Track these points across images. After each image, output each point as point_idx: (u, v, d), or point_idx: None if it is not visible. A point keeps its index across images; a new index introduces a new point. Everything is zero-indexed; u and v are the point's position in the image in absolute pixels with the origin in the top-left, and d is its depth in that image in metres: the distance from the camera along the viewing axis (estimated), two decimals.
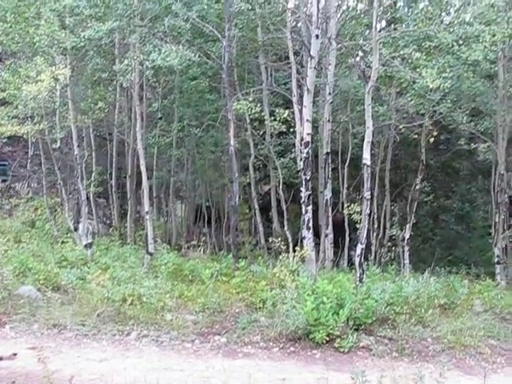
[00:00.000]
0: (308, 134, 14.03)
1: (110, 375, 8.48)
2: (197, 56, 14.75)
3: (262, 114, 16.96)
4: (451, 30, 13.33)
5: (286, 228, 17.09)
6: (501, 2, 13.43)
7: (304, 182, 13.98)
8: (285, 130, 16.71)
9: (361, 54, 17.83)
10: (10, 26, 16.56)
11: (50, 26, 14.28)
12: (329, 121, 16.83)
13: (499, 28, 13.01)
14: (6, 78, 17.53)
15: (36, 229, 20.20)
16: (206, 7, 15.35)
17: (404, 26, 15.61)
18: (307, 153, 13.98)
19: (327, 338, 10.30)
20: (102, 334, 10.42)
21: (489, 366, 9.99)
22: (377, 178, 19.25)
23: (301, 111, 14.54)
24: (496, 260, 17.78)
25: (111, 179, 21.78)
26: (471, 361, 10.26)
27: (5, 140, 24.17)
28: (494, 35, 12.84)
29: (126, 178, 21.09)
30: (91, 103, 18.39)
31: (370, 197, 13.27)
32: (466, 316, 11.97)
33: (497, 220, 17.97)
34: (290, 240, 15.77)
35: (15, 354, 9.13)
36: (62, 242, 17.45)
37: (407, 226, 18.45)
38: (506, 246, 18.51)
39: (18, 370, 8.51)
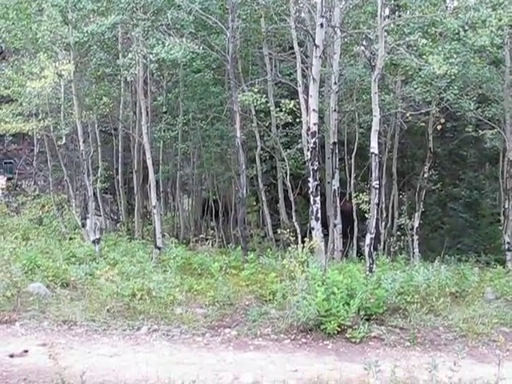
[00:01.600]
0: (315, 124, 13.93)
1: (121, 370, 8.46)
2: (201, 48, 14.65)
3: (268, 105, 16.85)
4: (457, 15, 13.18)
5: (294, 219, 17.00)
6: None
7: (312, 173, 13.89)
8: (291, 120, 16.59)
9: (366, 42, 17.68)
10: (13, 23, 16.56)
11: (53, 22, 14.22)
12: (335, 110, 16.74)
13: (506, 12, 12.83)
14: (9, 75, 17.51)
15: (44, 226, 20.25)
16: None
17: (409, 12, 15.46)
18: (314, 143, 13.88)
19: (339, 329, 10.24)
20: (112, 329, 10.39)
21: (503, 353, 9.85)
22: (384, 167, 19.13)
23: (307, 101, 14.43)
24: (506, 247, 17.69)
25: (117, 174, 21.76)
26: (484, 349, 10.18)
27: (10, 138, 24.22)
28: (500, 19, 12.65)
29: (132, 173, 21.05)
30: (96, 98, 18.37)
31: (378, 186, 13.19)
32: (478, 304, 11.91)
33: (506, 207, 17.87)
34: (298, 231, 15.70)
35: (26, 351, 9.10)
36: (70, 239, 17.50)
37: (416, 214, 18.35)
38: None
39: (30, 366, 8.47)
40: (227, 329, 10.60)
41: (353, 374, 8.09)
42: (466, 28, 13.25)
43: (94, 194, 18.83)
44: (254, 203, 21.97)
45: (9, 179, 25.36)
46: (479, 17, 12.68)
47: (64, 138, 18.19)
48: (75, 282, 12.44)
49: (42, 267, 12.87)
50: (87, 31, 14.18)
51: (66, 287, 12.28)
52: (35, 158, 25.37)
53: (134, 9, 14.66)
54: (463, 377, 7.17)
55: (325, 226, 16.42)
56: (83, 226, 17.59)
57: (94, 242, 15.55)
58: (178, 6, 14.70)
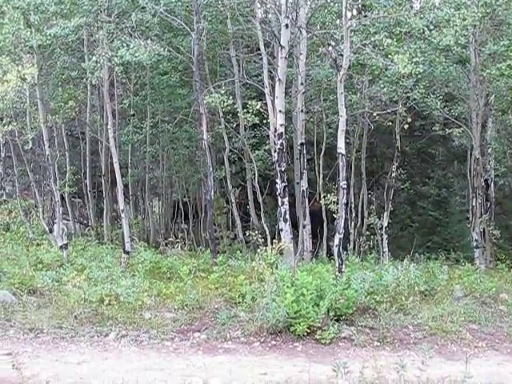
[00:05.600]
0: (281, 125, 13.95)
1: (88, 378, 8.38)
2: (166, 50, 14.58)
3: (235, 106, 16.81)
4: (422, 15, 13.25)
5: (263, 221, 17.01)
6: None
7: (279, 174, 13.90)
8: (258, 122, 16.55)
9: (332, 42, 17.71)
10: None
11: (15, 25, 14.02)
12: (302, 111, 16.73)
13: (469, 12, 12.94)
14: None
15: (11, 232, 19.95)
16: (173, 0, 15.10)
17: (374, 12, 15.51)
18: (281, 144, 13.90)
19: (308, 330, 10.24)
20: (79, 335, 10.27)
21: (470, 350, 10.02)
22: (353, 166, 19.19)
23: (273, 102, 14.42)
24: (474, 244, 17.83)
25: (86, 179, 21.52)
26: (453, 346, 10.28)
27: None
28: (464, 19, 12.76)
29: (100, 176, 20.86)
30: (61, 102, 18.10)
31: (346, 186, 13.20)
32: (447, 302, 12.00)
33: (474, 204, 18.01)
34: (267, 233, 15.67)
35: None
36: (38, 245, 17.23)
37: (385, 213, 18.41)
38: (483, 229, 18.50)
39: None
40: (196, 333, 10.54)
41: (322, 375, 8.08)
42: (431, 27, 13.32)
43: (62, 198, 18.63)
44: (224, 205, 21.89)
45: None
46: (443, 16, 12.77)
47: (30, 142, 17.96)
48: (42, 289, 12.22)
49: (8, 274, 12.68)
50: (50, 34, 13.98)
51: (33, 294, 12.06)
52: (1, 163, 24.98)
53: (98, 11, 14.49)
54: (431, 375, 7.23)
55: (295, 226, 16.40)
56: (50, 231, 17.38)
57: (61, 247, 15.36)
58: (143, 8, 14.57)
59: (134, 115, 20.61)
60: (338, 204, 13.81)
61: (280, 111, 13.90)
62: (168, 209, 23.81)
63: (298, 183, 17.85)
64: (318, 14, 17.45)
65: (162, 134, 20.99)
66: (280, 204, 13.95)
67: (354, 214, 18.98)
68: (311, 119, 19.49)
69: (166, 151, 21.75)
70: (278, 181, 13.93)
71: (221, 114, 18.11)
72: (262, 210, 17.77)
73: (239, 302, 11.44)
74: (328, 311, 10.54)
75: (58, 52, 16.83)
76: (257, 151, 18.98)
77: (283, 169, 13.94)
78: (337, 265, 12.83)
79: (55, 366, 8.92)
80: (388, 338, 10.43)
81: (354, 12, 19.30)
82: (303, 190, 16.81)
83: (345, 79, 13.53)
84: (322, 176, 18.76)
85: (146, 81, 19.90)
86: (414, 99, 17.07)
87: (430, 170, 23.87)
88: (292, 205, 16.48)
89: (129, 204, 21.66)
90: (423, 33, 13.42)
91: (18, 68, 13.85)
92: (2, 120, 18.21)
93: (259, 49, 16.97)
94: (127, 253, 15.26)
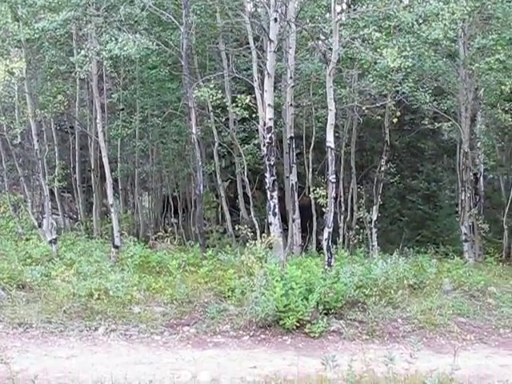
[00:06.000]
0: (270, 119, 13.95)
1: (77, 372, 8.37)
2: (155, 44, 14.54)
3: (224, 100, 16.77)
4: (411, 9, 13.27)
5: (252, 215, 17.02)
6: None
7: (268, 168, 13.93)
8: (247, 116, 16.53)
9: (321, 36, 17.69)
10: None
11: (2, 18, 13.93)
12: (291, 105, 16.70)
13: (458, 6, 12.97)
14: None
15: None
16: None
17: (363, 6, 15.52)
18: (270, 138, 13.91)
19: (297, 324, 10.29)
20: (69, 330, 10.29)
21: (459, 343, 10.09)
22: (342, 160, 19.17)
23: (262, 96, 14.41)
24: (463, 238, 17.88)
25: (75, 173, 21.45)
26: (441, 339, 10.35)
27: None
28: (453, 13, 12.78)
29: (90, 171, 20.80)
30: (50, 96, 18.02)
31: (335, 180, 13.23)
32: (435, 295, 12.07)
33: (463, 198, 18.05)
34: (257, 227, 15.68)
35: None
36: (27, 239, 17.19)
37: (374, 207, 18.42)
38: (472, 223, 18.59)
39: None
40: (186, 327, 10.58)
41: (311, 368, 8.09)
42: (420, 21, 13.36)
43: (51, 193, 18.55)
44: (214, 199, 21.86)
45: None
46: (432, 10, 12.78)
47: (19, 137, 17.88)
48: (31, 284, 12.21)
49: None
50: (38, 28, 13.88)
51: (22, 289, 12.03)
52: None
53: (87, 5, 14.40)
54: (420, 368, 7.27)
55: (284, 220, 16.42)
56: (40, 226, 17.33)
57: (50, 242, 15.30)
58: (131, 2, 14.50)
59: (123, 109, 20.51)
60: (327, 198, 13.84)
61: (269, 105, 13.91)
62: (158, 203, 23.75)
63: (287, 177, 17.80)
64: (307, 8, 17.39)
65: (151, 128, 20.92)
66: (269, 198, 13.97)
67: (343, 208, 19.00)
68: (300, 113, 19.44)
69: (156, 145, 21.68)
70: (268, 175, 13.95)
71: (210, 108, 18.07)
72: (251, 204, 17.77)
73: (228, 296, 11.48)
74: (317, 305, 10.58)
75: (47, 46, 16.72)
76: (246, 145, 18.94)
77: (272, 163, 13.96)
78: (326, 258, 12.87)
79: (44, 361, 8.95)
80: (377, 331, 10.49)
81: (344, 6, 19.27)
82: (292, 184, 16.79)
83: (334, 73, 13.55)
84: (311, 170, 18.71)
85: (135, 75, 19.82)
86: (403, 93, 17.04)
87: (419, 164, 23.87)
88: (281, 199, 16.49)
89: (118, 198, 21.62)
90: (412, 27, 13.43)
91: (5, 62, 13.80)
92: None
93: (248, 43, 16.93)
94: (116, 247, 15.25)
